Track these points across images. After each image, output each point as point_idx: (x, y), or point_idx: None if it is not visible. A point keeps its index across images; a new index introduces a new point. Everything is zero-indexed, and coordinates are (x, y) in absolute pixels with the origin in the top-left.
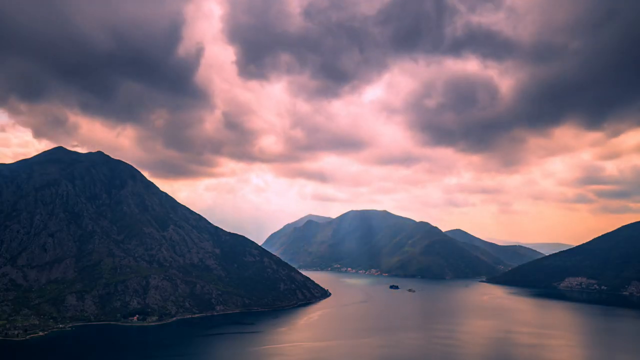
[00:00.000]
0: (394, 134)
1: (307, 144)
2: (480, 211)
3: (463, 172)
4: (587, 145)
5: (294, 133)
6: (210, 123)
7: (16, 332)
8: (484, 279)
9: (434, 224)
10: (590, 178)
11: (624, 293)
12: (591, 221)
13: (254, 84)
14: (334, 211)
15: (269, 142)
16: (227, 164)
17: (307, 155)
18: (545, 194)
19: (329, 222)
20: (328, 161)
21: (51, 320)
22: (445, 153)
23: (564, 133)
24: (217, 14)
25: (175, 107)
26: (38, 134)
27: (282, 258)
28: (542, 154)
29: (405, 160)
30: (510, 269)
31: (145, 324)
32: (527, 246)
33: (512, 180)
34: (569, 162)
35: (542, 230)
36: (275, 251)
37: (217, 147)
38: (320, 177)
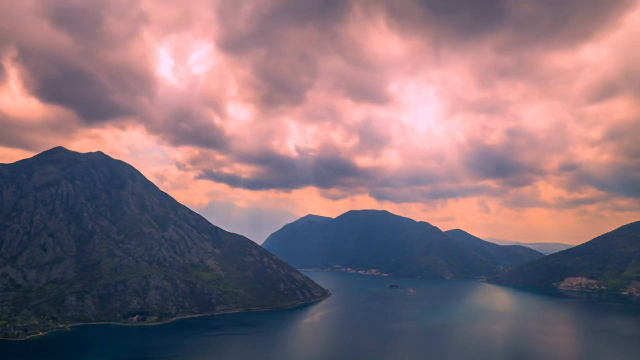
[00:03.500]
0: None
1: None
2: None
3: None
4: None
5: None
6: None
7: (16, 332)
8: (484, 279)
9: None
10: None
11: (624, 293)
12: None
13: None
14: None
15: None
16: None
17: None
18: None
19: (329, 222)
20: None
21: (51, 320)
22: None
23: None
24: None
25: None
26: None
27: (282, 258)
28: None
29: None
30: (510, 269)
31: (145, 324)
32: (527, 246)
33: None
34: None
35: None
36: (275, 251)
37: None
38: None
